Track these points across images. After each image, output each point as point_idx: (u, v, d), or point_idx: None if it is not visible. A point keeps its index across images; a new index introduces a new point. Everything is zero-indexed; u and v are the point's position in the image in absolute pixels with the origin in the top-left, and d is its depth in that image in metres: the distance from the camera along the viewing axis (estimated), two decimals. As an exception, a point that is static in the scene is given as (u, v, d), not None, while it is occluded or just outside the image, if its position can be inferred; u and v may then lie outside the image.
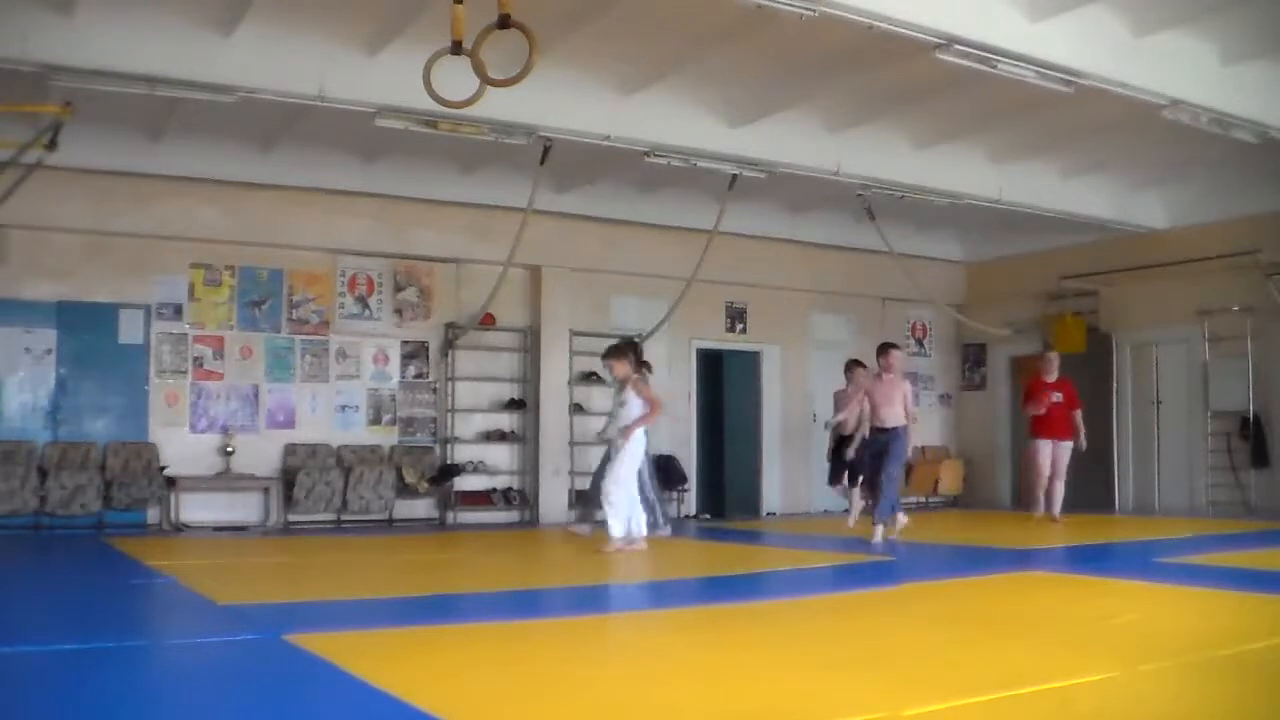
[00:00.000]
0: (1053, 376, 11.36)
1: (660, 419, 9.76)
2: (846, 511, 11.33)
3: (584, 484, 13.06)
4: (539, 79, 6.59)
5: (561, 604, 6.50)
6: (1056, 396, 11.27)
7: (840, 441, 11.18)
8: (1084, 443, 11.25)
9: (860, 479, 10.75)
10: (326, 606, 6.10)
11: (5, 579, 7.43)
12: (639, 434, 8.51)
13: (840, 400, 11.35)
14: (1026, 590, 6.77)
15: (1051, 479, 11.30)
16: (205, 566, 7.83)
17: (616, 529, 8.34)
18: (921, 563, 8.53)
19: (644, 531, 8.55)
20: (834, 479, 11.60)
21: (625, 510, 8.38)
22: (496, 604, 6.32)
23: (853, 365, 11.43)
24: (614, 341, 9.49)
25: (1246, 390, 12.62)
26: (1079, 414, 11.33)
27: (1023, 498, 11.64)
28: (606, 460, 9.04)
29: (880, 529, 9.45)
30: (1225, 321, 12.84)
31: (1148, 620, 5.44)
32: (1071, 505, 11.54)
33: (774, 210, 13.68)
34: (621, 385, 8.74)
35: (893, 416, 9.53)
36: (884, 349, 9.82)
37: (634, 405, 8.56)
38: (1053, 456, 11.26)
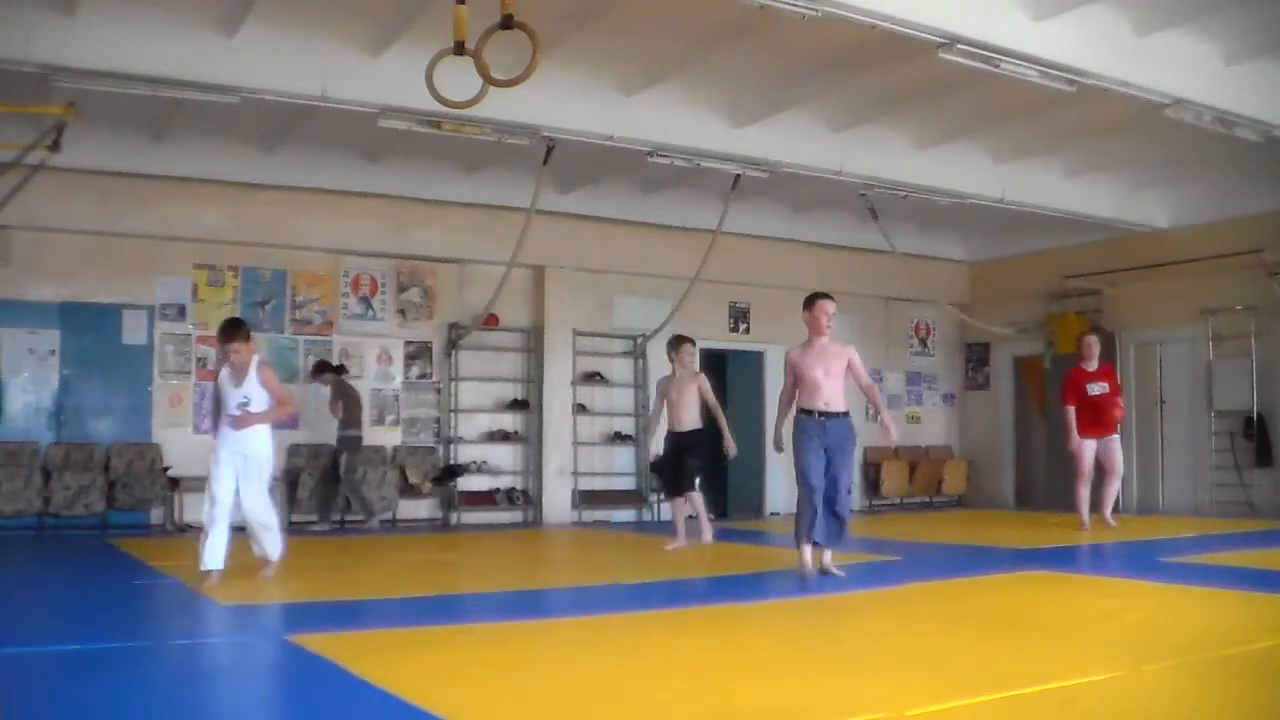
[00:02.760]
0: (1092, 365, 10.33)
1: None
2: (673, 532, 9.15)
3: (589, 484, 13.10)
4: (542, 79, 6.59)
5: (563, 604, 6.50)
6: (1097, 388, 10.25)
7: (678, 441, 8.99)
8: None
9: (692, 489, 8.96)
10: (329, 607, 6.11)
11: (9, 580, 7.44)
12: (268, 438, 6.80)
13: (664, 390, 9.08)
14: (1029, 590, 6.76)
15: (1105, 479, 10.33)
16: (209, 567, 7.82)
17: (276, 548, 6.91)
18: (924, 563, 8.51)
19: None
20: (675, 489, 9.12)
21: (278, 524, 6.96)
22: (499, 604, 6.32)
23: (679, 343, 9.07)
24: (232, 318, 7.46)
25: (1250, 389, 12.59)
26: (1120, 401, 10.41)
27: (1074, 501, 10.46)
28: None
29: (828, 555, 7.04)
30: (1229, 321, 12.82)
31: (1151, 620, 5.43)
32: (1072, 505, 11.31)
33: (777, 210, 13.67)
34: (241, 374, 6.68)
35: (838, 397, 7.02)
36: (812, 300, 7.34)
37: (259, 400, 6.68)
38: (1098, 454, 10.27)
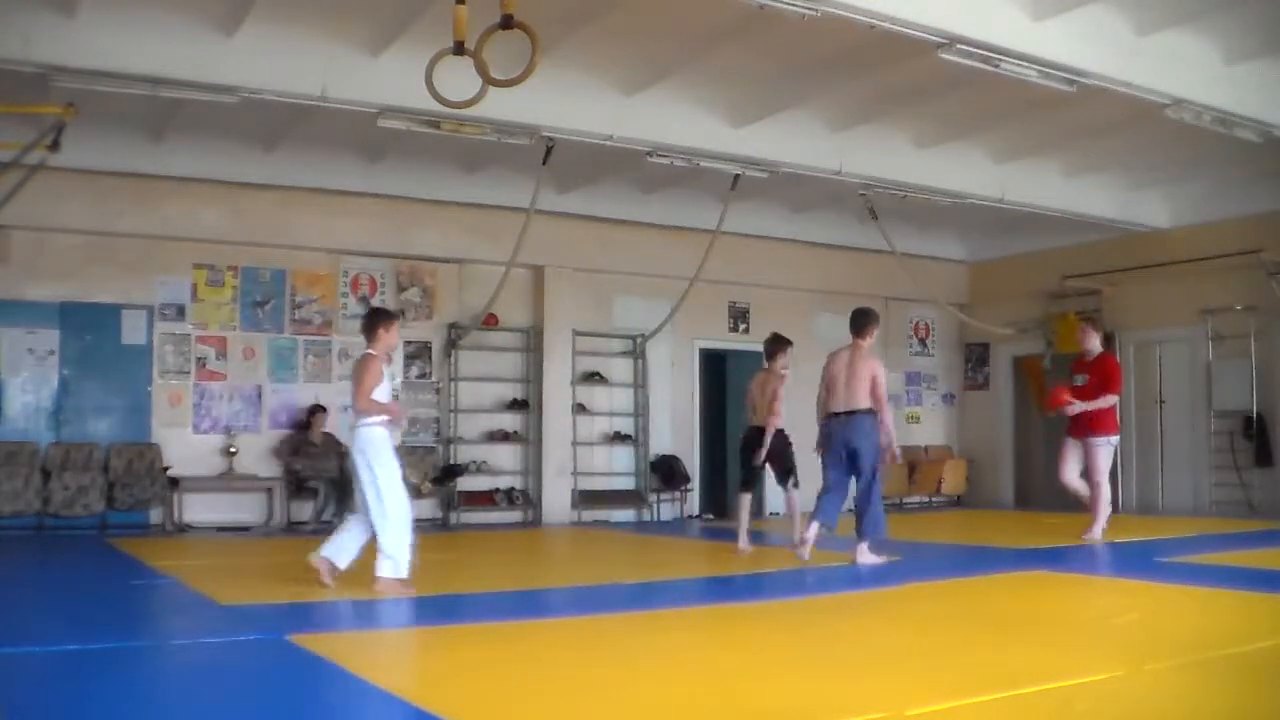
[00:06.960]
0: (1088, 355, 9.46)
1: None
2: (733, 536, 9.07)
3: (588, 484, 13.08)
4: (541, 79, 6.59)
5: (563, 604, 6.50)
6: (1080, 379, 9.38)
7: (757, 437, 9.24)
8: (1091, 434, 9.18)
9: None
10: (329, 607, 6.11)
11: (9, 579, 7.44)
12: (384, 439, 6.77)
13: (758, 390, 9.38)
14: (1029, 590, 6.76)
15: (1092, 487, 9.24)
16: (208, 567, 7.85)
17: (395, 568, 6.43)
18: (924, 562, 8.52)
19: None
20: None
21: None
22: (499, 604, 6.32)
23: (780, 343, 9.29)
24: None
25: (1250, 389, 12.59)
26: (1106, 400, 9.19)
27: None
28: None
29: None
30: (1228, 321, 12.82)
31: (1151, 620, 5.44)
32: (1073, 505, 10.28)
33: (776, 210, 13.67)
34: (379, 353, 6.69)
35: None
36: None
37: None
38: (1081, 456, 9.27)
